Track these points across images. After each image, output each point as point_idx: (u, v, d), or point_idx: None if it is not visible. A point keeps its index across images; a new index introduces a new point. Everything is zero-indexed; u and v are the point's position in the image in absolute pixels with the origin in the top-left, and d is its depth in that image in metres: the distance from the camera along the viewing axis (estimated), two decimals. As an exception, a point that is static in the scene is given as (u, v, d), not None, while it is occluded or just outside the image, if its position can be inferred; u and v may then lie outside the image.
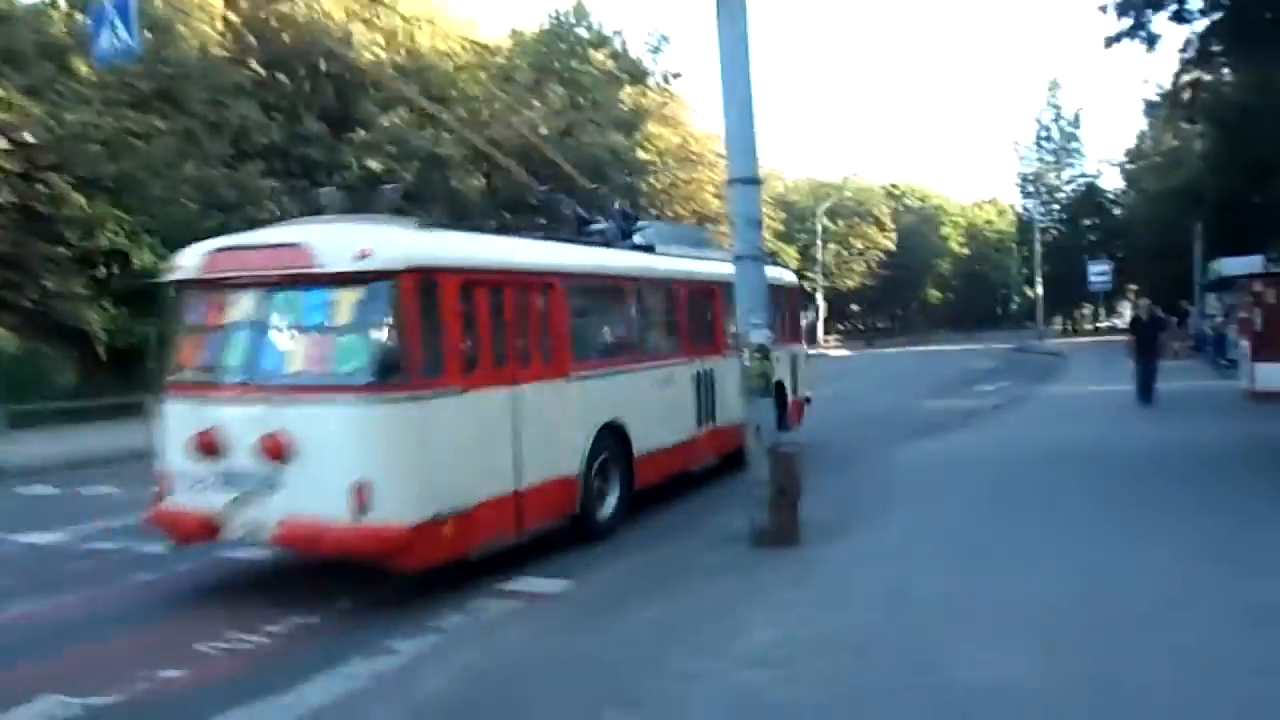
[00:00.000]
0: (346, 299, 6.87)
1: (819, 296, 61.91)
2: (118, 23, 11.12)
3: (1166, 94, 12.85)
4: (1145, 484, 10.24)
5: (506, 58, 35.41)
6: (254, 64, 27.90)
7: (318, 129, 28.71)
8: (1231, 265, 17.13)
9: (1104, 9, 10.65)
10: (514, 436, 7.75)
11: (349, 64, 29.53)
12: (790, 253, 68.87)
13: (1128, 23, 10.60)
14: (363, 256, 6.70)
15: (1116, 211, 68.21)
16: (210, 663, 6.05)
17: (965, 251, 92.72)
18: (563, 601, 6.93)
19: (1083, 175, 72.29)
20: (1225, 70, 24.15)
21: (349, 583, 7.41)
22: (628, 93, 39.10)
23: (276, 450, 6.66)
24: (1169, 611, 5.87)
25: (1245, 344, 17.12)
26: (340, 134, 28.28)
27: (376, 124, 25.96)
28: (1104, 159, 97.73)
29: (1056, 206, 72.77)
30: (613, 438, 9.14)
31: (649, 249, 11.27)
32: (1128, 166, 54.43)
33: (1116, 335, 63.31)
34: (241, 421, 6.87)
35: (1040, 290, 61.50)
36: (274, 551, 7.84)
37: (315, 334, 7.03)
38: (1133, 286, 58.09)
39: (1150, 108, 58.39)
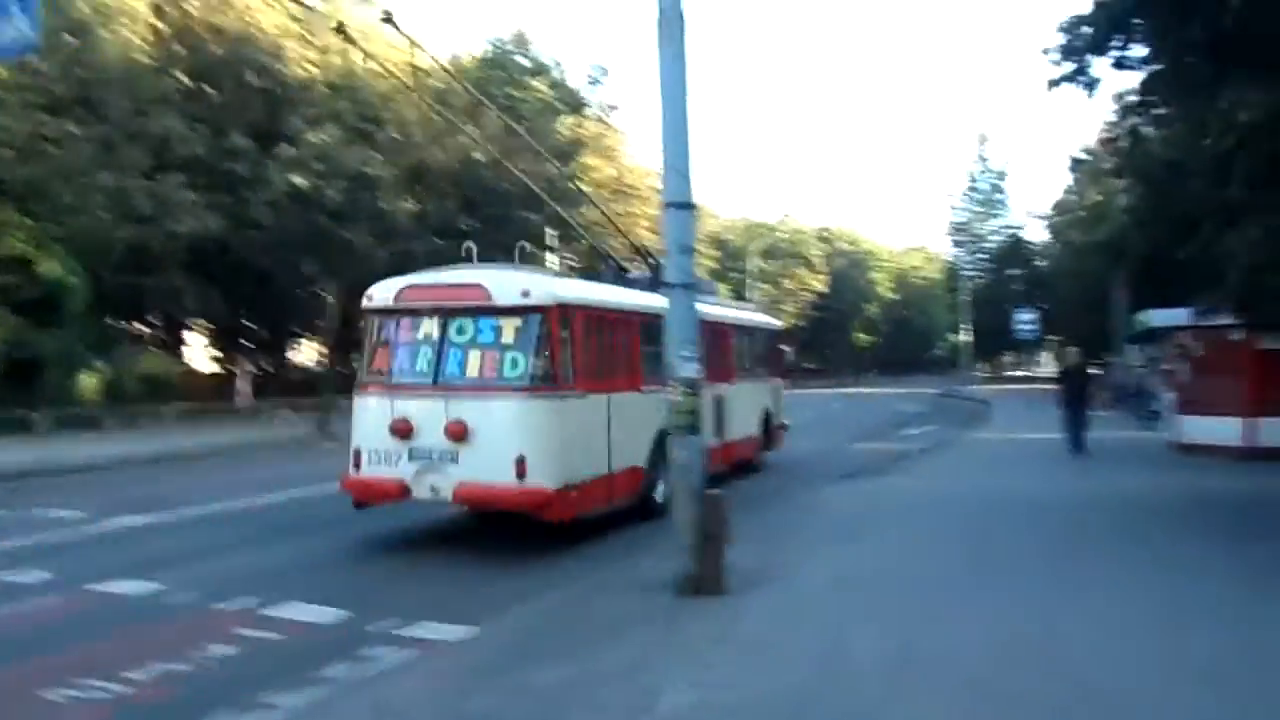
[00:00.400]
0: (511, 324, 9.62)
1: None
2: (17, 13, 10.38)
3: (1102, 142, 12.81)
4: (1079, 533, 10.00)
5: (444, 82, 34.89)
6: (180, 74, 26.94)
7: (244, 143, 27.77)
8: (1159, 317, 17.20)
9: (1046, 51, 10.61)
10: (608, 432, 10.28)
11: (279, 78, 28.80)
12: (723, 290, 69.21)
13: (1070, 67, 10.54)
14: (524, 295, 9.54)
15: (1040, 263, 69.93)
16: (58, 713, 5.35)
17: (894, 296, 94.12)
18: (462, 651, 6.33)
19: (1008, 226, 74.07)
20: (1152, 129, 24.78)
21: (230, 628, 6.74)
22: (565, 123, 38.81)
23: (458, 433, 9.20)
24: (1113, 665, 5.53)
25: (1171, 397, 17.18)
26: (268, 149, 27.41)
27: (304, 140, 25.17)
28: (1029, 211, 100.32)
29: (983, 256, 74.36)
30: (663, 441, 9.78)
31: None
32: (1055, 219, 55.78)
33: (1037, 384, 64.75)
34: (429, 412, 9.38)
35: (967, 337, 62.51)
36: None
37: (487, 349, 9.66)
38: (1054, 337, 59.32)
39: (1076, 164, 60.30)
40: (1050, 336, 60.81)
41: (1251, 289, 11.68)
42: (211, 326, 36.68)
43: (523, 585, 8.13)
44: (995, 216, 74.27)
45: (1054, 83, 10.86)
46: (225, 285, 29.41)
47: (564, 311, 9.73)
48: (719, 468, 12.78)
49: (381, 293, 10.39)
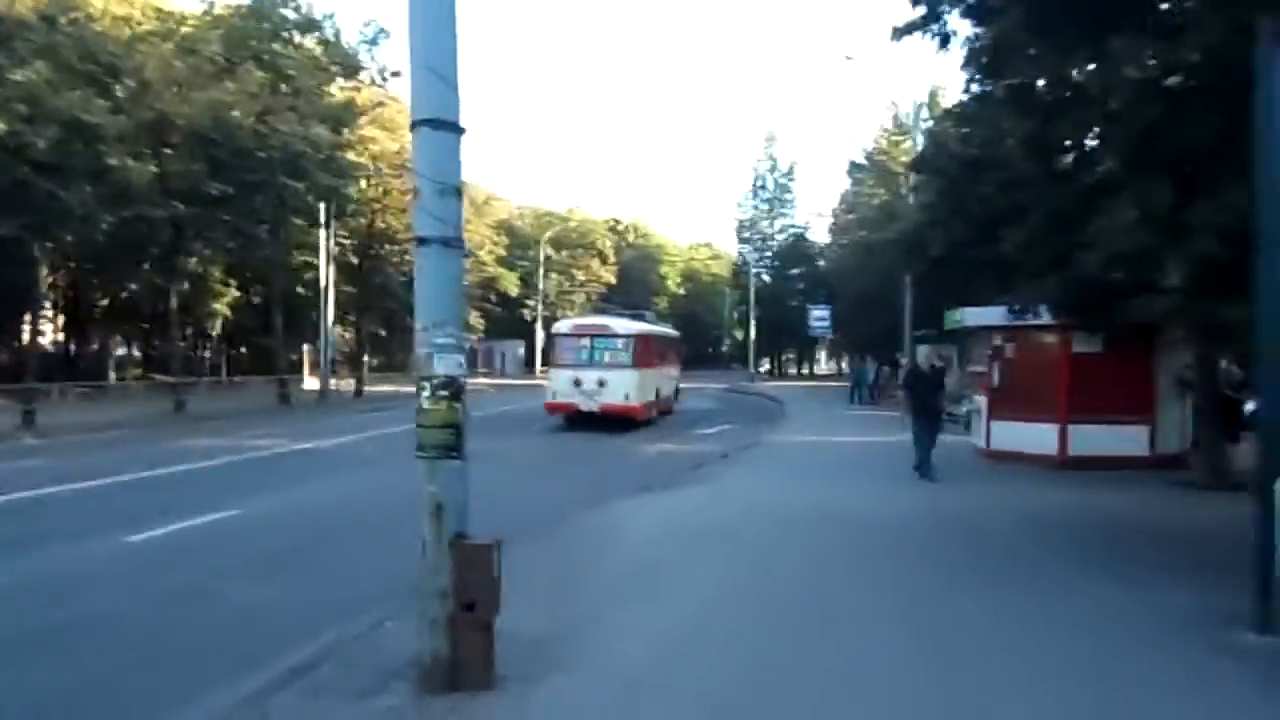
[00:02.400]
0: (624, 342, 24.90)
1: (538, 326, 59.83)
2: None
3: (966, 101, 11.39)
4: (925, 563, 8.40)
5: (195, 28, 30.56)
6: None
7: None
8: (972, 315, 16.21)
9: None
10: (656, 384, 27.04)
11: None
12: (511, 279, 66.61)
13: (921, 12, 8.96)
14: (625, 330, 25.60)
15: (821, 263, 71.44)
16: None
17: (682, 291, 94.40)
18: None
19: (793, 226, 75.37)
20: (957, 128, 24.42)
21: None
22: (339, 86, 35.12)
23: (601, 384, 23.91)
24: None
25: (981, 401, 16.31)
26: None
27: (5, 78, 20.76)
28: (814, 211, 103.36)
29: (769, 254, 75.31)
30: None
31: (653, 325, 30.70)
32: (846, 216, 56.69)
33: (818, 381, 66.11)
34: (587, 376, 24.13)
35: (753, 333, 62.84)
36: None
37: (611, 351, 24.67)
38: (832, 336, 60.45)
39: (854, 167, 61.69)
40: (832, 335, 61.90)
41: (1101, 285, 10.52)
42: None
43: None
44: (782, 215, 75.36)
45: (900, 31, 9.24)
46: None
47: (639, 337, 25.37)
48: (667, 409, 29.08)
49: (564, 326, 27.14)
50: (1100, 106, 9.11)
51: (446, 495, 5.13)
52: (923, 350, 13.23)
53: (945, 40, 9.27)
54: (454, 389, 5.19)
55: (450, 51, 5.22)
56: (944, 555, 8.87)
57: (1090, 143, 13.09)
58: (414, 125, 5.24)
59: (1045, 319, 14.37)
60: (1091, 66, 8.49)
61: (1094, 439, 14.64)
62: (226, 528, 10.75)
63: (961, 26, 9.89)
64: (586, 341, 24.87)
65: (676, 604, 7.05)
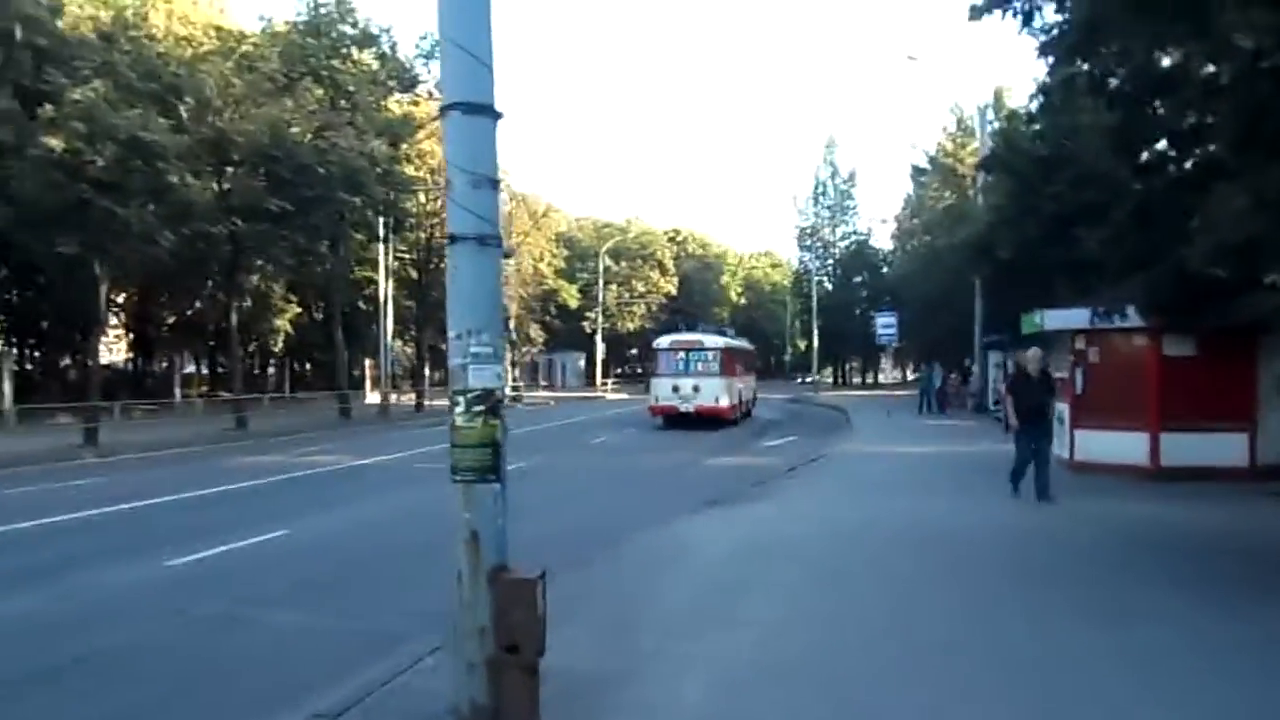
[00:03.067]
0: (713, 354, 30.27)
1: (598, 338, 59.48)
2: None
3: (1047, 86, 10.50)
4: (1043, 592, 7.57)
5: (255, 45, 30.71)
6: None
7: (6, 104, 23.15)
8: (1054, 318, 15.24)
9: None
10: (739, 389, 32.19)
11: (50, 32, 24.26)
12: (571, 291, 66.45)
13: (1004, -11, 8.23)
14: (715, 344, 31.17)
15: (884, 270, 70.05)
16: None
17: (743, 301, 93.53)
18: None
19: (855, 233, 74.11)
20: (1027, 126, 23.44)
21: None
22: (396, 100, 35.14)
23: (696, 389, 29.23)
24: None
25: (1064, 409, 15.34)
26: (35, 112, 22.88)
27: (65, 97, 20.91)
28: (877, 217, 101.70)
29: (831, 261, 74.14)
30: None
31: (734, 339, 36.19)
32: (910, 221, 55.44)
33: (882, 390, 64.67)
34: (684, 382, 29.46)
35: (816, 341, 61.80)
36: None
37: (702, 362, 30.02)
38: (898, 344, 59.02)
39: (918, 172, 60.33)
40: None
41: (1200, 282, 9.65)
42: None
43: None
44: (844, 222, 74.20)
45: (980, 9, 8.50)
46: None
47: (725, 350, 30.80)
48: (737, 415, 31.41)
49: (663, 341, 31.59)
50: (1203, 86, 8.30)
51: (483, 523, 4.57)
52: (1034, 353, 11.01)
53: (1029, 17, 8.51)
54: (491, 404, 4.63)
55: (483, 25, 4.67)
56: (1041, 581, 8.06)
57: (1183, 128, 12.21)
58: (443, 110, 4.70)
59: (1133, 320, 13.44)
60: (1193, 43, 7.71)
61: (1189, 448, 13.59)
62: (272, 549, 10.37)
63: (1045, 11, 9.18)
64: (682, 354, 30.18)
65: (746, 636, 6.40)
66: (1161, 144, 12.78)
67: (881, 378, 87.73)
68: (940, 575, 8.27)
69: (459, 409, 4.62)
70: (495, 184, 4.71)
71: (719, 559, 9.00)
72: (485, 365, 4.63)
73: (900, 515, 11.46)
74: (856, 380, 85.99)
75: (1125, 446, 14.11)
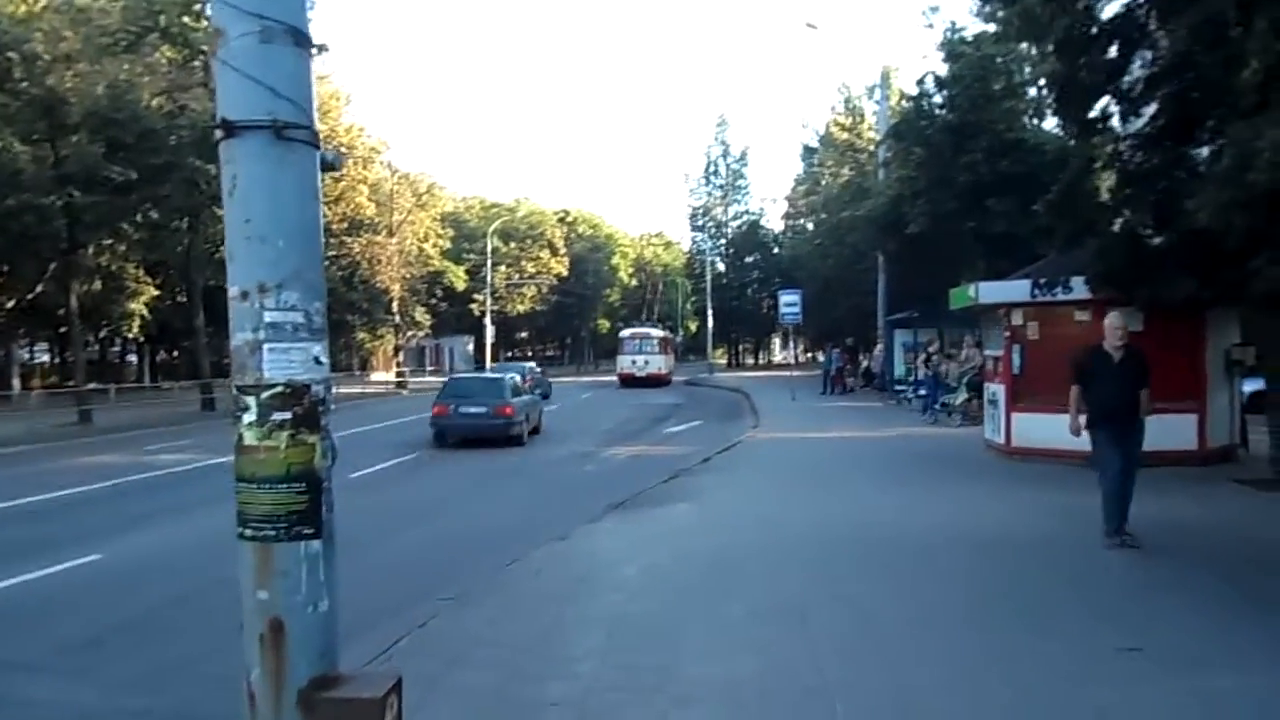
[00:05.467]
0: (656, 340, 50.83)
1: (487, 321, 57.09)
2: None
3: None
4: (1021, 611, 6.10)
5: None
6: None
7: None
8: (989, 292, 13.99)
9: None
10: (670, 362, 53.83)
11: None
12: (458, 273, 63.75)
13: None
14: (657, 333, 53.02)
15: (775, 251, 69.53)
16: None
17: (634, 282, 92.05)
18: None
19: (748, 212, 73.46)
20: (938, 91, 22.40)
21: None
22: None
23: (646, 363, 48.12)
24: None
25: (999, 390, 14.13)
26: None
27: None
28: (768, 196, 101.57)
29: (724, 241, 73.31)
30: None
31: None
32: (801, 201, 54.98)
33: (776, 370, 64.11)
34: (640, 358, 48.29)
35: (710, 323, 60.87)
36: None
37: (650, 345, 49.88)
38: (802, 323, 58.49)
39: (807, 151, 59.71)
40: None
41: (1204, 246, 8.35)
42: None
43: None
44: (736, 201, 73.42)
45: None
46: None
47: (662, 338, 52.35)
48: (670, 379, 49.00)
49: (626, 332, 52.10)
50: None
51: (290, 607, 2.73)
52: (1112, 318, 7.46)
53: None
54: (304, 408, 2.78)
55: None
56: (1021, 592, 6.63)
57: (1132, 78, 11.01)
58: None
59: (1077, 293, 12.27)
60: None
61: (1136, 432, 12.52)
62: (75, 580, 8.26)
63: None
64: (637, 340, 48.97)
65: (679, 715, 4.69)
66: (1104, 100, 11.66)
67: (775, 358, 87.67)
68: (929, 605, 6.71)
69: (248, 416, 2.76)
70: (304, 40, 2.85)
71: (634, 588, 7.22)
72: (292, 343, 2.78)
73: (847, 517, 9.92)
74: (750, 361, 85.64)
75: (1067, 431, 12.93)
